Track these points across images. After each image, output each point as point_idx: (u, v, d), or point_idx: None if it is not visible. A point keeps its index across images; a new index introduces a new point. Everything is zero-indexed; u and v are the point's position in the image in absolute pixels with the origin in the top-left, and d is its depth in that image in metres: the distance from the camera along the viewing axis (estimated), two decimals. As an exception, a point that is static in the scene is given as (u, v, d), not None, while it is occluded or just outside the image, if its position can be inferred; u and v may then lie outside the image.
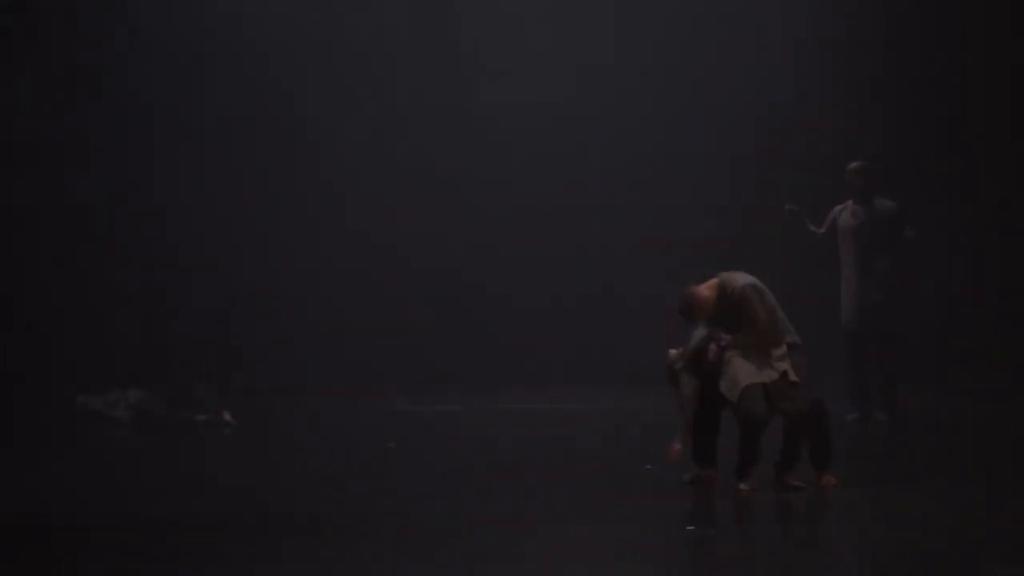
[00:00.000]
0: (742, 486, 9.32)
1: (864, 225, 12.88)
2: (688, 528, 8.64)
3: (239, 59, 15.42)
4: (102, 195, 15.24)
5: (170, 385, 13.82)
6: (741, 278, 9.53)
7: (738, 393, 9.26)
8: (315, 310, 15.46)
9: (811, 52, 15.40)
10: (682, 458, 9.48)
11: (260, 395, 14.48)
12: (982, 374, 14.40)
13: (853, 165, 13.06)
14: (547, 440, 12.42)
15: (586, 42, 15.64)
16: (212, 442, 12.75)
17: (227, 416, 13.57)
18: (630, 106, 15.65)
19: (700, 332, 9.58)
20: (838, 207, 13.08)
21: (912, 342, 13.72)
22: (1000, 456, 10.93)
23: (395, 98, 15.65)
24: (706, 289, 9.50)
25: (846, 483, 9.84)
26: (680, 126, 15.51)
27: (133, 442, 12.97)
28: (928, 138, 15.30)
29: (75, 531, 8.69)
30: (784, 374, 9.33)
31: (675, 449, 9.48)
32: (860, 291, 12.87)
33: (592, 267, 15.57)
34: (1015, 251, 15.02)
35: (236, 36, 15.41)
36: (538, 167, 15.63)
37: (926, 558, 7.81)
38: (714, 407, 9.46)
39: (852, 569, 7.87)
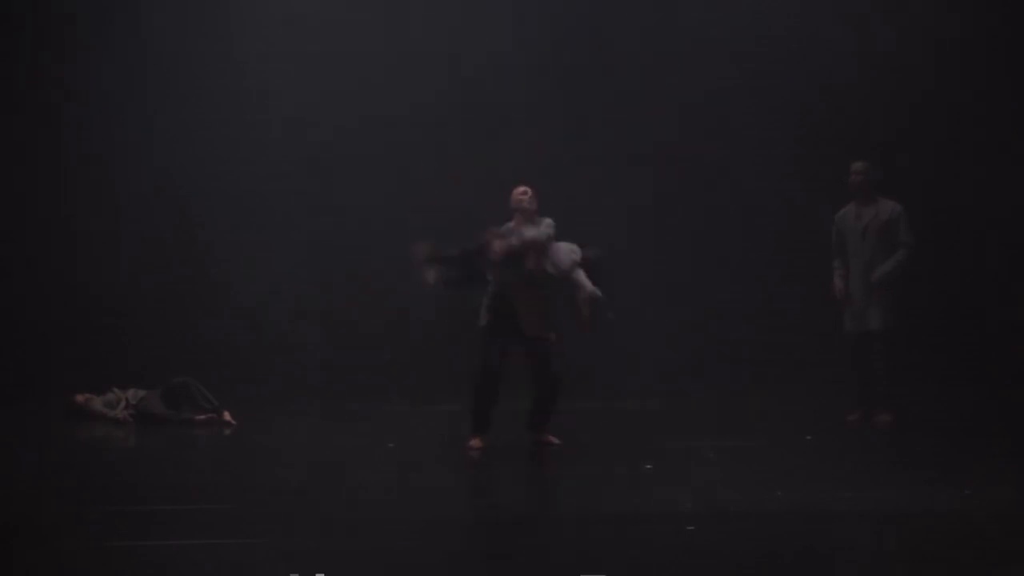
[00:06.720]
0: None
1: (868, 226, 12.84)
2: (688, 528, 8.62)
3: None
4: (101, 194, 15.24)
5: (170, 385, 13.81)
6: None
7: None
8: (316, 311, 15.45)
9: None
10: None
11: (261, 395, 14.48)
12: (985, 373, 14.38)
13: (857, 165, 13.01)
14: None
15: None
16: (212, 442, 12.75)
17: (227, 416, 13.56)
18: (621, 95, 15.57)
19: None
20: (839, 213, 13.04)
21: (917, 341, 13.68)
22: (1001, 455, 10.91)
23: (393, 95, 15.60)
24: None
25: (846, 484, 9.82)
26: (684, 121, 15.43)
27: (133, 442, 12.96)
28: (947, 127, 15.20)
29: (74, 531, 8.68)
30: None
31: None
32: (862, 292, 12.85)
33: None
34: (1016, 248, 14.96)
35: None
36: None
37: (926, 558, 7.80)
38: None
39: (852, 569, 7.86)
